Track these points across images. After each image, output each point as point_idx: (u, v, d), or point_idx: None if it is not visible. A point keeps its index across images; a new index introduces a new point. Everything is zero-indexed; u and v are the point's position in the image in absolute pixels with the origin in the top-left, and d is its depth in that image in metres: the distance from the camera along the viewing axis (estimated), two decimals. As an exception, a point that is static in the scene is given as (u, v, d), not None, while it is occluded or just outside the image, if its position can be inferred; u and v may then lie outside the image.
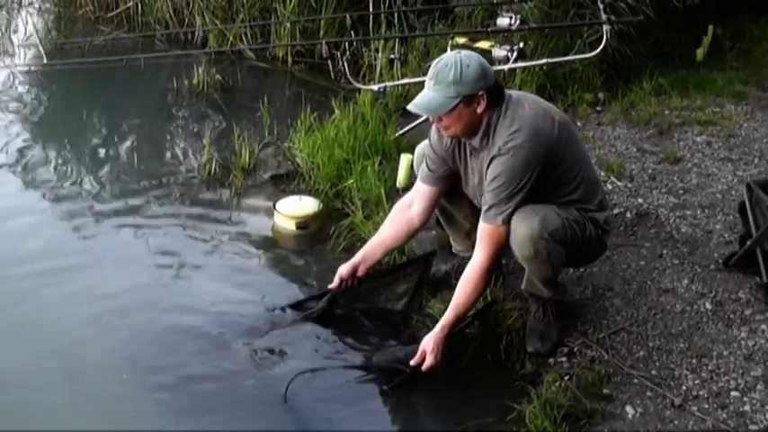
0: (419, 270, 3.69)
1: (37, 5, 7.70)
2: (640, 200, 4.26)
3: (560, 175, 3.10)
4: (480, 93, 3.01)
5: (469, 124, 3.07)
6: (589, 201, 3.19)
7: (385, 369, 3.23)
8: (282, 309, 3.59)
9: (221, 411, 3.08)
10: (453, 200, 3.48)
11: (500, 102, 3.07)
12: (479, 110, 3.03)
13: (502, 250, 3.14)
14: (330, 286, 3.52)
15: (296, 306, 3.62)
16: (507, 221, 3.04)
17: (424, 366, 3.10)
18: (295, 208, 4.33)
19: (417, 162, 3.57)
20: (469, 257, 3.19)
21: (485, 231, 3.09)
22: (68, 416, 3.05)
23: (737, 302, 3.51)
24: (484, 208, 3.10)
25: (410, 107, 3.12)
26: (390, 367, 3.21)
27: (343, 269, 3.48)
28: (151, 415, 3.08)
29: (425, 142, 3.46)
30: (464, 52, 3.10)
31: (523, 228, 3.02)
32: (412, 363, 3.12)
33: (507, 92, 3.14)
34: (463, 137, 3.16)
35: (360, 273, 3.49)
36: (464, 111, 3.03)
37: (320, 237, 4.28)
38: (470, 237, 3.50)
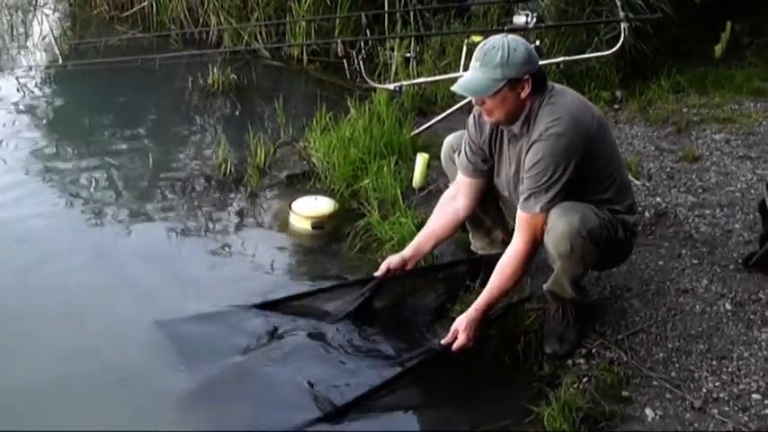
0: (462, 272, 3.67)
1: (52, 6, 7.74)
2: (659, 199, 4.24)
3: (596, 171, 3.09)
4: (525, 77, 3.01)
5: (512, 109, 3.07)
6: (620, 202, 3.18)
7: (417, 366, 3.18)
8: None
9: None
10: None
11: (543, 89, 3.08)
12: (523, 95, 3.04)
13: (540, 239, 3.10)
14: (376, 274, 3.50)
15: (268, 306, 3.58)
16: (545, 210, 3.03)
17: (455, 345, 3.09)
18: (311, 208, 4.32)
19: (445, 155, 3.59)
20: (486, 255, 3.18)
21: (522, 219, 3.09)
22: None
23: (758, 303, 3.47)
24: (522, 196, 3.09)
25: (454, 88, 3.12)
26: (421, 356, 3.19)
27: (393, 260, 3.47)
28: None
29: (452, 136, 3.47)
30: (511, 36, 3.11)
31: (562, 224, 3.00)
32: (443, 341, 3.12)
33: (550, 83, 3.14)
34: (505, 123, 3.15)
35: (409, 266, 3.49)
36: (508, 94, 3.03)
37: (336, 237, 4.27)
38: (490, 234, 3.50)
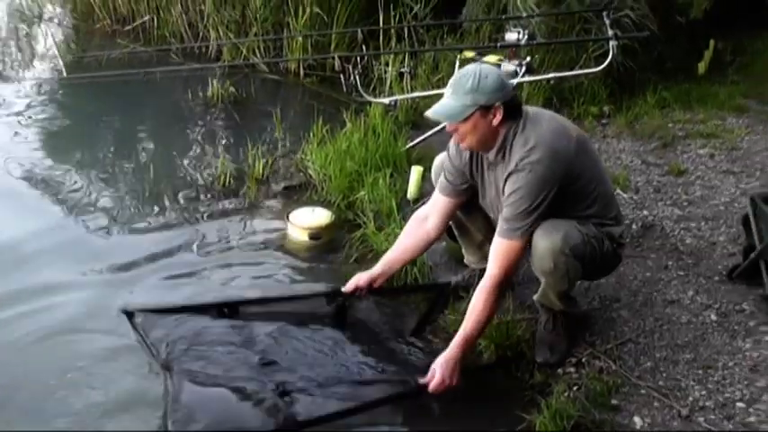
0: (433, 297, 3.66)
1: (57, 20, 7.73)
2: (646, 212, 4.25)
3: (577, 190, 3.07)
4: (497, 104, 2.99)
5: (485, 136, 3.05)
6: (605, 215, 3.17)
7: (393, 398, 3.09)
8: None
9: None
10: (468, 211, 3.46)
11: (517, 117, 3.05)
12: (495, 122, 3.01)
13: (516, 266, 3.10)
14: (343, 289, 3.47)
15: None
16: (523, 238, 3.01)
17: (432, 386, 2.99)
18: (308, 219, 4.32)
19: (435, 173, 3.56)
20: (480, 269, 3.16)
21: (500, 246, 3.05)
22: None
23: (742, 314, 3.48)
24: (500, 223, 3.07)
25: (428, 113, 3.11)
26: (397, 393, 3.09)
27: (362, 278, 3.44)
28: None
29: (444, 153, 3.46)
30: (485, 65, 3.11)
31: (545, 242, 3.00)
32: (421, 381, 3.02)
33: (525, 108, 3.12)
34: (479, 149, 3.14)
35: (376, 284, 3.45)
36: (480, 121, 3.01)
37: (332, 247, 4.26)
38: (482, 248, 3.48)
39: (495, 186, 3.16)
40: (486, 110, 2.99)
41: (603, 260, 3.20)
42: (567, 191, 3.02)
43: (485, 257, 3.16)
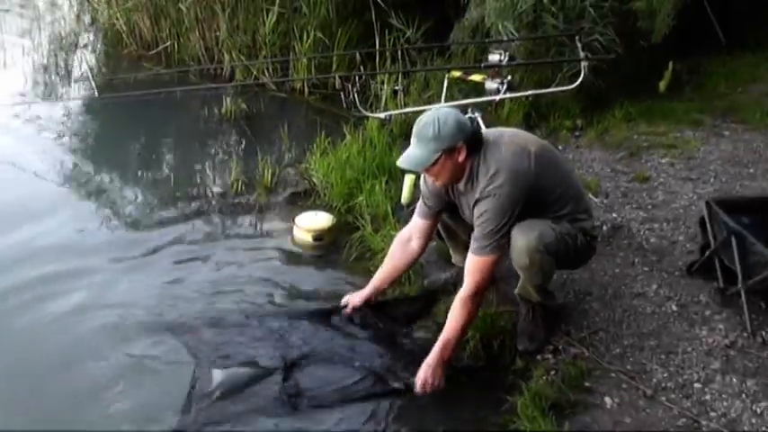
0: (421, 304, 3.63)
1: (90, 46, 7.73)
2: (614, 214, 4.23)
3: (547, 197, 3.05)
4: (459, 144, 2.95)
5: (454, 172, 3.03)
6: (578, 211, 3.14)
7: (381, 394, 3.09)
8: None
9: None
10: (453, 217, 3.43)
11: (479, 148, 3.00)
12: (461, 159, 2.98)
13: (489, 279, 3.06)
14: (342, 305, 3.46)
15: None
16: (493, 253, 2.98)
17: (417, 389, 3.02)
18: (312, 222, 4.30)
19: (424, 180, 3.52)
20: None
21: (472, 263, 3.02)
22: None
23: (699, 305, 3.48)
24: (472, 242, 3.03)
25: (399, 163, 3.05)
26: (385, 390, 3.09)
27: (356, 299, 3.43)
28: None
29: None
30: (442, 110, 3.04)
31: (522, 241, 2.98)
32: (408, 382, 3.04)
33: (486, 135, 3.07)
34: (451, 183, 3.12)
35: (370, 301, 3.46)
36: (447, 162, 2.97)
37: (334, 247, 4.26)
38: (468, 249, 3.47)
39: (468, 208, 3.13)
40: (450, 152, 2.95)
41: (577, 253, 3.19)
42: (535, 201, 3.00)
43: None
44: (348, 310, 3.44)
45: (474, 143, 2.99)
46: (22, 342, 3.37)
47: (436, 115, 2.96)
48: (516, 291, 3.25)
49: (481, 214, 2.96)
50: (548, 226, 3.03)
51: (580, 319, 3.42)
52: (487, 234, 2.96)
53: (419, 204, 3.38)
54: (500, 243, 2.98)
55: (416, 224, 3.39)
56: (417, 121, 3.01)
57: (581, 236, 3.14)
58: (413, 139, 3.00)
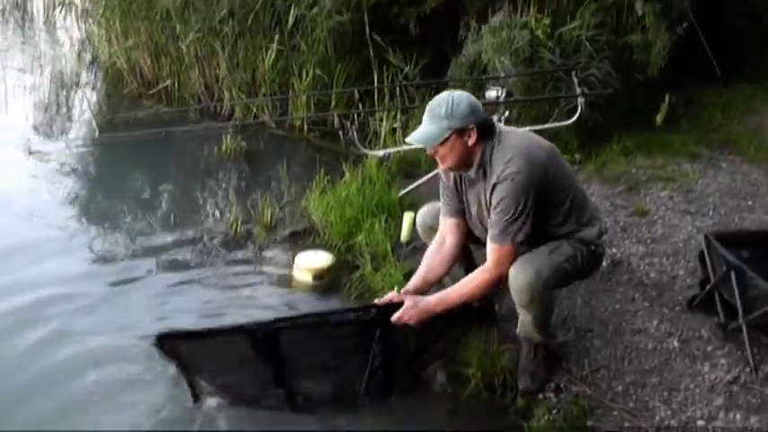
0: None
1: (90, 85, 7.80)
2: (614, 249, 4.23)
3: (553, 196, 3.06)
4: (471, 126, 2.97)
5: (462, 155, 3.03)
6: (578, 221, 3.14)
7: (354, 309, 3.14)
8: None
9: None
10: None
11: (491, 135, 3.03)
12: (470, 142, 3.00)
13: (507, 267, 3.03)
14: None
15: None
16: (513, 243, 2.99)
17: (395, 316, 2.98)
18: (312, 261, 4.31)
19: (420, 222, 3.52)
20: None
21: (493, 250, 3.03)
22: None
23: (700, 340, 3.47)
24: (491, 230, 3.03)
25: (409, 139, 3.09)
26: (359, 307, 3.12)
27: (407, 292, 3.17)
28: None
29: (427, 206, 3.44)
30: (456, 91, 3.07)
31: (521, 278, 2.99)
32: (393, 317, 2.99)
33: (498, 126, 3.11)
34: (458, 168, 3.11)
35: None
36: (456, 142, 2.99)
37: (334, 287, 4.26)
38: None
39: (477, 203, 3.14)
40: (461, 132, 2.97)
41: (580, 271, 3.20)
42: (546, 195, 3.01)
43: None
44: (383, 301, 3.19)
45: (485, 129, 3.01)
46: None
47: (450, 96, 2.99)
48: (517, 331, 3.25)
49: (500, 200, 2.97)
50: (545, 259, 3.04)
51: (582, 357, 3.41)
52: (508, 221, 2.97)
53: (442, 204, 3.33)
54: (519, 232, 2.97)
55: (445, 224, 3.32)
56: (431, 101, 3.05)
57: (584, 250, 3.13)
58: (425, 117, 3.02)
